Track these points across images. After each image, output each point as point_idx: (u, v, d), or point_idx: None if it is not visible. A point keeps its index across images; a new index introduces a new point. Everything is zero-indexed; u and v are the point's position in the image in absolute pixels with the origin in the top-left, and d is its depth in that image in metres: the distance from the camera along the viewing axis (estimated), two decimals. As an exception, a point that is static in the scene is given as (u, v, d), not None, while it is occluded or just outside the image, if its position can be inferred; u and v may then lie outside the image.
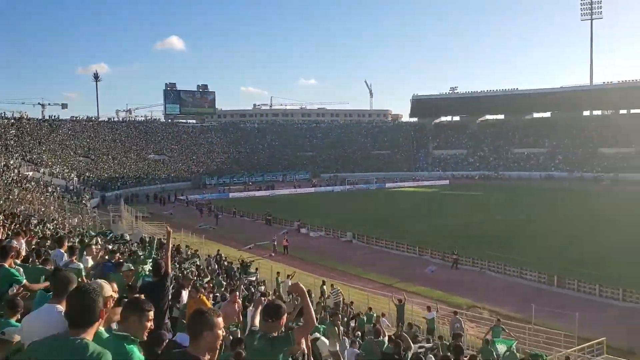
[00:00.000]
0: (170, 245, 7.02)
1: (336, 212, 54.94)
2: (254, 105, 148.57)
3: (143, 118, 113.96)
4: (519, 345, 15.79)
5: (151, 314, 3.46)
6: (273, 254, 36.59)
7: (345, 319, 16.85)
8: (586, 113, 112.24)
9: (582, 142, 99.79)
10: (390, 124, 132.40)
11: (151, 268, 8.68)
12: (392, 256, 35.47)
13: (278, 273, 25.18)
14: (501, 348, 12.93)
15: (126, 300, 4.06)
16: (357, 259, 34.79)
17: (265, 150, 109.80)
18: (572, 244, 35.34)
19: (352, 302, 19.93)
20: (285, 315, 4.29)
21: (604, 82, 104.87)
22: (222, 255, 29.76)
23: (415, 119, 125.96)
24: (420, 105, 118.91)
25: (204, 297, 9.05)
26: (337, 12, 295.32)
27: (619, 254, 31.79)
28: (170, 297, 7.09)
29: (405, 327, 15.76)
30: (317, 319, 7.03)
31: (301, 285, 4.60)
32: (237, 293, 10.88)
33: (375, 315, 17.65)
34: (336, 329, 11.09)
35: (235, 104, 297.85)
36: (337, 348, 10.03)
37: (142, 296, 5.59)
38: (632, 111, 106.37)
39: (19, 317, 4.49)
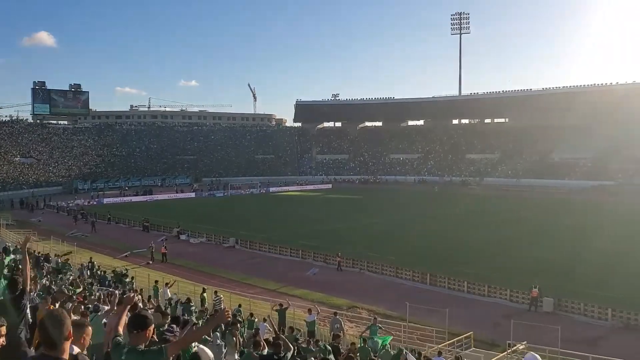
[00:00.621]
0: (27, 257, 6.43)
1: (218, 217, 54.13)
2: (131, 106, 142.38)
3: (8, 118, 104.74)
4: (394, 342, 16.43)
5: (3, 329, 3.21)
6: (151, 262, 35.18)
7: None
8: (455, 121, 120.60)
9: (451, 149, 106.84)
10: (274, 128, 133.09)
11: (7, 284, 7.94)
12: (275, 260, 35.52)
13: (156, 281, 24.22)
14: (377, 344, 13.38)
15: None
16: (240, 264, 34.45)
17: (143, 154, 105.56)
18: (443, 243, 37.69)
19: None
20: (152, 326, 4.08)
21: (471, 93, 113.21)
22: (95, 263, 28.11)
23: (299, 124, 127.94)
24: (304, 110, 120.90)
25: (52, 307, 8.37)
26: (219, 13, 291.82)
27: (485, 252, 34.41)
28: (28, 314, 6.51)
29: (286, 331, 15.80)
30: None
31: (229, 314, 4.38)
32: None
33: (256, 321, 17.55)
34: (234, 339, 10.84)
35: (111, 105, 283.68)
36: (236, 357, 9.84)
37: None
38: (496, 120, 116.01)
39: None
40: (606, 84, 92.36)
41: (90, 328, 3.83)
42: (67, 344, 3.14)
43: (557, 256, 32.56)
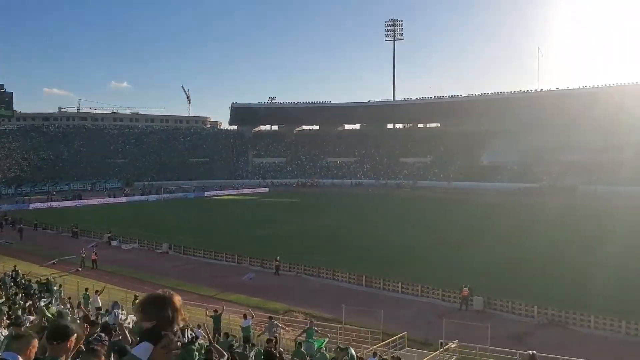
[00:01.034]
0: None
1: (151, 222, 52.84)
2: (59, 108, 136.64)
3: None
4: (330, 345, 16.54)
5: None
6: (80, 269, 33.87)
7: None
8: (390, 126, 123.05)
9: (386, 152, 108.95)
10: (209, 131, 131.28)
11: None
12: (211, 266, 35.01)
13: (86, 289, 23.32)
14: (312, 347, 13.43)
15: None
16: (174, 270, 33.74)
17: (72, 157, 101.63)
18: (378, 245, 38.33)
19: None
20: (74, 336, 3.92)
21: (405, 99, 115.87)
22: (20, 272, 26.76)
23: (234, 127, 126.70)
24: (240, 113, 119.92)
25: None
26: (152, 13, 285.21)
27: (418, 253, 35.27)
28: None
29: (221, 337, 15.58)
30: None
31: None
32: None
33: (190, 327, 17.18)
34: None
35: (38, 107, 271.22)
36: None
37: None
38: (429, 125, 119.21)
39: None
40: (531, 90, 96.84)
41: (36, 340, 3.68)
42: None
43: (487, 256, 33.75)
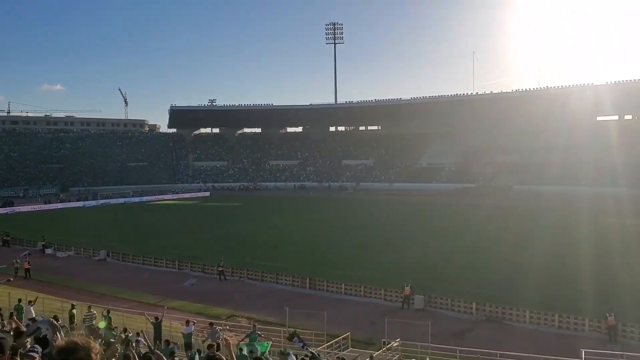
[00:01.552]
0: None
1: (88, 229, 51.12)
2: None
3: None
4: (274, 349, 16.50)
5: None
6: (12, 279, 32.36)
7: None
8: (332, 128, 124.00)
9: (329, 155, 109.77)
10: (148, 134, 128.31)
11: None
12: (150, 272, 34.20)
13: (19, 300, 22.29)
14: (256, 351, 13.36)
15: None
16: (112, 277, 32.75)
17: (2, 162, 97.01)
18: (321, 247, 38.59)
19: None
20: (9, 349, 3.77)
21: (346, 101, 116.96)
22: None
23: (174, 130, 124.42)
24: (179, 116, 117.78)
25: None
26: (86, 13, 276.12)
27: (360, 254, 35.68)
28: None
29: (162, 344, 15.26)
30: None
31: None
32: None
33: (130, 336, 16.75)
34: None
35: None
36: None
37: None
38: (370, 127, 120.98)
39: None
40: (467, 94, 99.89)
41: None
42: None
43: (427, 256, 34.59)
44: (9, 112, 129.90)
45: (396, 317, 21.87)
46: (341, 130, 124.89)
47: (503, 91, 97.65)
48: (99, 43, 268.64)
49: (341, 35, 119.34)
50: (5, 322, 16.79)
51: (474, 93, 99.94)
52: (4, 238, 44.95)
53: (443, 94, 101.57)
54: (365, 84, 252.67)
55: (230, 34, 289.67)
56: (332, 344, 18.59)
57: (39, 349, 6.67)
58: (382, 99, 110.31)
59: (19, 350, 5.90)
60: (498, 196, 71.96)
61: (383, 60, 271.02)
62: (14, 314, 18.99)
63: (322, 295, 27.58)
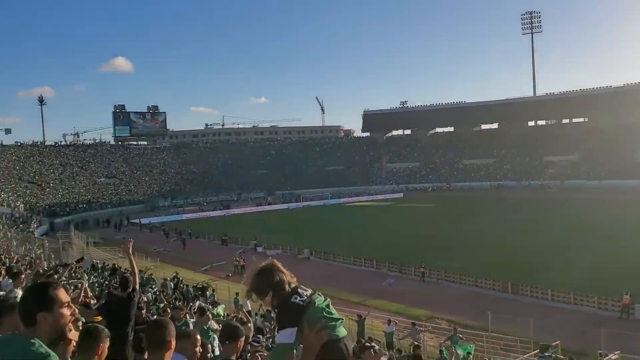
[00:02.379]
0: (134, 260, 6.81)
1: (293, 229, 54.79)
2: (206, 125, 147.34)
3: (92, 141, 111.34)
4: (478, 353, 16.05)
5: (108, 340, 3.36)
6: (230, 275, 36.11)
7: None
8: (531, 123, 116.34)
9: (528, 152, 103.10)
10: (343, 139, 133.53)
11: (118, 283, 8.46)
12: (350, 271, 35.54)
13: (237, 293, 24.79)
14: (459, 353, 13.13)
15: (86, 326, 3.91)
16: (315, 275, 34.54)
17: (219, 170, 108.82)
18: (522, 250, 36.37)
19: None
20: (243, 337, 4.22)
21: (546, 93, 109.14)
22: (180, 278, 29.17)
23: (367, 134, 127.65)
24: (372, 120, 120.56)
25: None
26: (283, 29, 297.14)
27: (567, 258, 32.93)
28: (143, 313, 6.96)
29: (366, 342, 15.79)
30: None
31: None
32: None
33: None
34: None
35: (186, 124, 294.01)
36: None
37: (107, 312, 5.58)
38: (574, 120, 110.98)
39: None
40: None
41: (198, 337, 3.93)
42: (168, 353, 3.29)
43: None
44: (223, 125, 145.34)
45: (613, 328, 19.77)
46: (541, 125, 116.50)
47: None
48: (296, 56, 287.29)
49: (539, 24, 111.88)
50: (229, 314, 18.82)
51: None
52: (223, 238, 50.33)
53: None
54: (566, 74, 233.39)
55: (416, 34, 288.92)
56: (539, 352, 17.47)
57: (262, 339, 7.34)
58: (588, 88, 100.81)
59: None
60: None
61: (586, 47, 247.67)
62: (235, 306, 21.15)
63: (525, 301, 26.06)
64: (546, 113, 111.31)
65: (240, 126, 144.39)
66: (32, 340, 2.48)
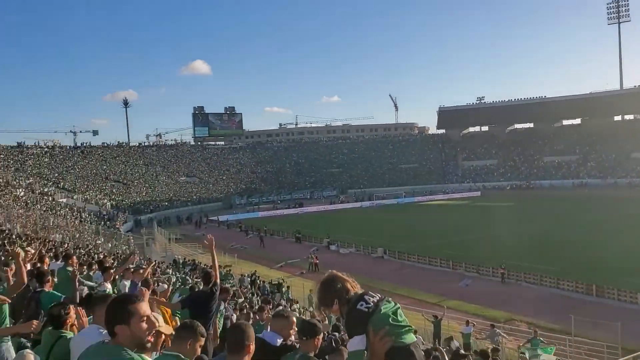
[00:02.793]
0: (215, 255, 7.15)
1: (366, 227, 54.68)
2: (280, 124, 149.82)
3: (173, 142, 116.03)
4: (560, 358, 15.44)
5: (203, 340, 3.55)
6: (304, 272, 36.55)
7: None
8: (617, 118, 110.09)
9: (614, 148, 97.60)
10: (417, 136, 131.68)
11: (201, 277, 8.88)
12: (425, 271, 35.07)
13: (311, 290, 25.09)
14: (542, 357, 12.69)
15: (183, 322, 4.15)
16: (390, 274, 34.46)
17: (293, 169, 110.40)
18: (607, 251, 34.46)
19: None
20: (321, 335, 4.27)
21: (635, 86, 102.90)
22: (257, 274, 29.88)
23: (442, 131, 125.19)
24: (447, 116, 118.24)
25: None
26: (357, 29, 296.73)
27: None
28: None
29: (442, 343, 15.51)
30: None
31: None
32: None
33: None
34: None
35: (261, 124, 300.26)
36: None
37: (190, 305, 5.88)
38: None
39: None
40: None
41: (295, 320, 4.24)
42: (247, 357, 3.40)
43: None
44: (296, 125, 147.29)
45: None
46: (629, 120, 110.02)
47: None
48: (368, 53, 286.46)
49: (627, 13, 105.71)
50: (302, 310, 19.08)
51: None
52: (297, 235, 51.01)
53: None
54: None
55: (494, 27, 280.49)
56: (629, 359, 16.55)
57: (338, 336, 7.41)
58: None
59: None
60: None
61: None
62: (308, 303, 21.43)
63: (611, 305, 24.74)
64: (634, 107, 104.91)
65: (313, 125, 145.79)
66: (123, 351, 2.68)
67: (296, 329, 4.34)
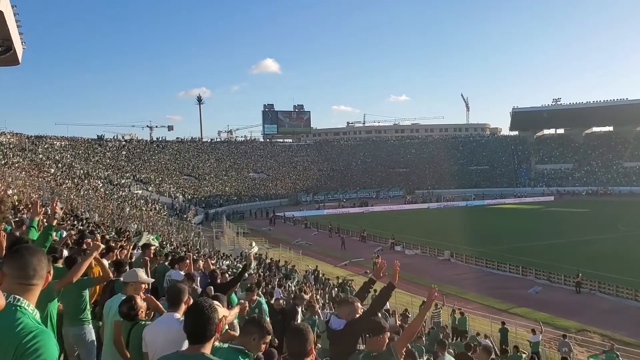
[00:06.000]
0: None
1: (432, 229, 53.82)
2: (348, 123, 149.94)
3: (243, 138, 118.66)
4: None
5: (269, 337, 3.62)
6: (368, 272, 36.40)
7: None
8: None
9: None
10: (489, 138, 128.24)
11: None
12: (493, 276, 34.18)
13: (375, 290, 24.98)
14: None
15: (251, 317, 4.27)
16: (455, 278, 33.79)
17: (359, 167, 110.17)
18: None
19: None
20: (387, 332, 4.28)
21: None
22: (320, 271, 30.08)
23: (515, 133, 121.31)
24: (521, 118, 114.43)
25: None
26: (423, 27, 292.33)
27: None
28: None
29: (511, 350, 15.04)
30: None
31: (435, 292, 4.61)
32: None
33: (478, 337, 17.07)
34: None
35: (328, 123, 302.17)
36: None
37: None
38: None
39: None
40: None
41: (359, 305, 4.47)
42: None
43: None
44: (364, 123, 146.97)
45: None
46: None
47: None
48: (439, 53, 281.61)
49: None
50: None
51: None
52: (361, 234, 50.90)
53: None
54: None
55: (570, 28, 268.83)
56: None
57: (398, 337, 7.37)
58: None
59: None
60: None
61: None
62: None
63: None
64: None
65: (381, 124, 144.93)
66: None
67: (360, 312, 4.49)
